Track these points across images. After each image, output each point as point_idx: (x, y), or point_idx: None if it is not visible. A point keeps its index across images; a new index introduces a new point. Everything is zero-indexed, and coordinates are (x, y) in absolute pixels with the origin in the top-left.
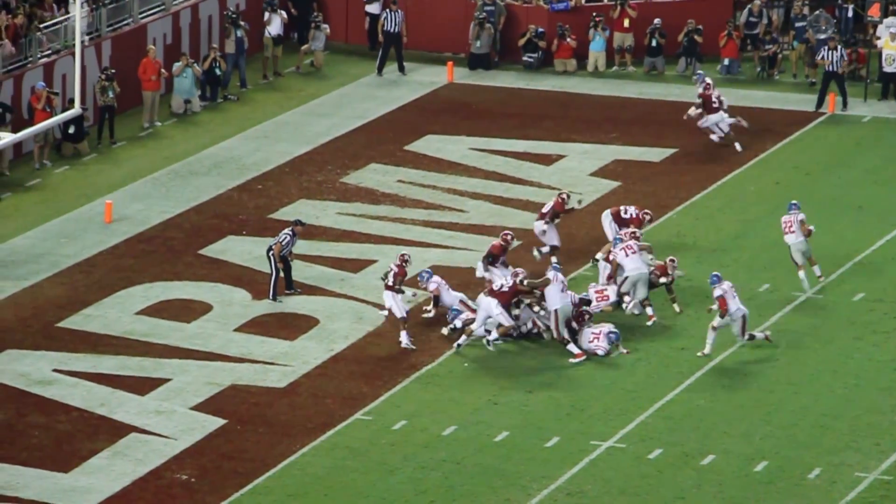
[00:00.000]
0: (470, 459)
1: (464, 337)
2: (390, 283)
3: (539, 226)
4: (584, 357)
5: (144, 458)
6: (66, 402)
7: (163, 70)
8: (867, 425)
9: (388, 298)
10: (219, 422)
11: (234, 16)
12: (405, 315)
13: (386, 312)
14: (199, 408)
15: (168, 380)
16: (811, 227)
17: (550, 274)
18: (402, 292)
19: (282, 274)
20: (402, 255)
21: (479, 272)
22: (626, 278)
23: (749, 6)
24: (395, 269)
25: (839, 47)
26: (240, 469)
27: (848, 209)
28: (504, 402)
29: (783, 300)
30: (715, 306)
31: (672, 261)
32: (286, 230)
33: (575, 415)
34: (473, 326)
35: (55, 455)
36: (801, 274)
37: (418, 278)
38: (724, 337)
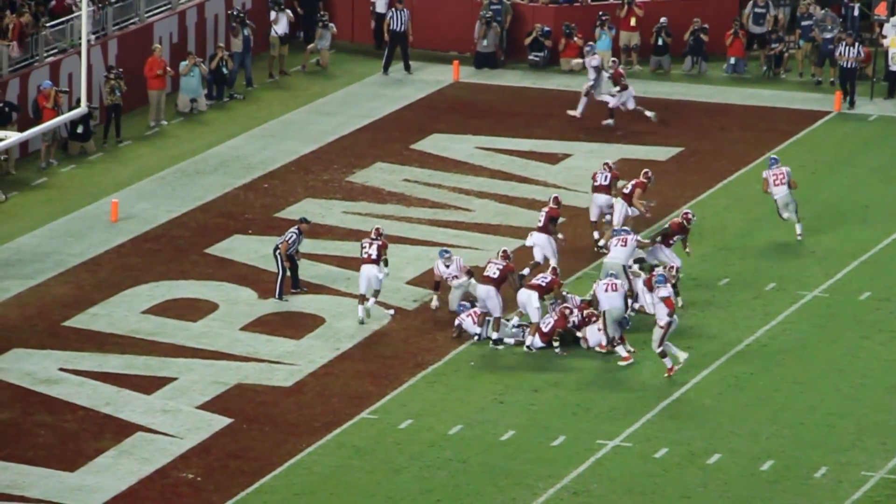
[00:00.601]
0: (476, 458)
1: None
2: (374, 257)
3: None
4: (631, 360)
5: (150, 457)
6: (72, 401)
7: (169, 69)
8: (873, 424)
9: (374, 271)
10: (225, 421)
11: (240, 15)
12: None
13: (392, 311)
14: (204, 407)
15: (174, 379)
16: (795, 181)
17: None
18: (387, 264)
19: (288, 273)
20: (377, 228)
21: (530, 241)
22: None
23: None
24: (380, 243)
25: (856, 44)
26: (246, 468)
27: (854, 208)
28: (510, 401)
29: (789, 299)
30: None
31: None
32: (292, 229)
33: (581, 414)
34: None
35: (61, 454)
36: (799, 227)
37: (441, 255)
38: (727, 337)
